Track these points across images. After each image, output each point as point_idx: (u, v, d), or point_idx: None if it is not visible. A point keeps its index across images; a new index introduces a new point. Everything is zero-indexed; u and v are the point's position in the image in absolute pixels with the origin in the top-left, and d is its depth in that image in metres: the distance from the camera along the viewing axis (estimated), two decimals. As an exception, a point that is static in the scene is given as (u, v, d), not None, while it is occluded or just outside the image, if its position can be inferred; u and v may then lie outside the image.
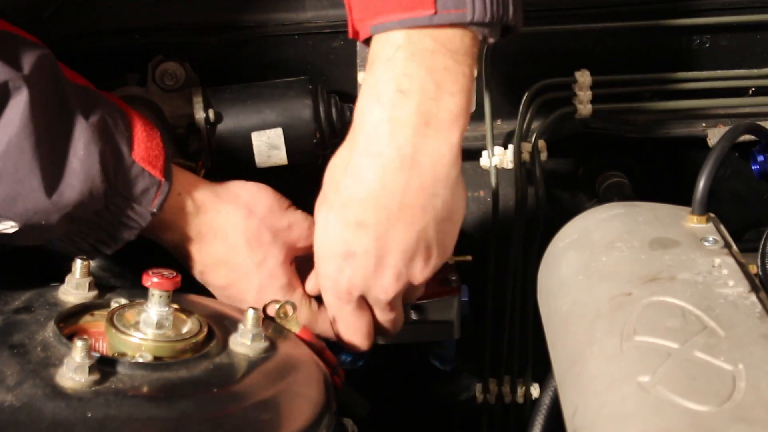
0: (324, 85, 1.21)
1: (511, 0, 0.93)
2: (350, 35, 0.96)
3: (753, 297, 0.84)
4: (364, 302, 1.02)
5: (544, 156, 1.25)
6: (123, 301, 0.93)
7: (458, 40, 0.93)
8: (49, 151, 0.92)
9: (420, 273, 0.99)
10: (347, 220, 0.96)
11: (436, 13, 0.91)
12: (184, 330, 0.89)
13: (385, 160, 0.94)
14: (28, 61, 0.92)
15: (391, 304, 1.02)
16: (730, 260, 0.89)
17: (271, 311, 0.98)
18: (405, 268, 0.98)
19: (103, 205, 0.96)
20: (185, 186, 1.04)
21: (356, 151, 0.95)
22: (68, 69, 0.99)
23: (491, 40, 0.96)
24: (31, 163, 0.90)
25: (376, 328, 1.06)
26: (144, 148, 0.99)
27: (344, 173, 0.96)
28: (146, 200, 0.99)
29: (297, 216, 1.08)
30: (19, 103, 0.90)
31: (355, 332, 1.04)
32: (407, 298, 1.05)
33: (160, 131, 1.02)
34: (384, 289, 0.99)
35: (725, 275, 0.87)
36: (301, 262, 1.08)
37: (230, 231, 1.05)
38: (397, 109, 0.93)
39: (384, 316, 1.04)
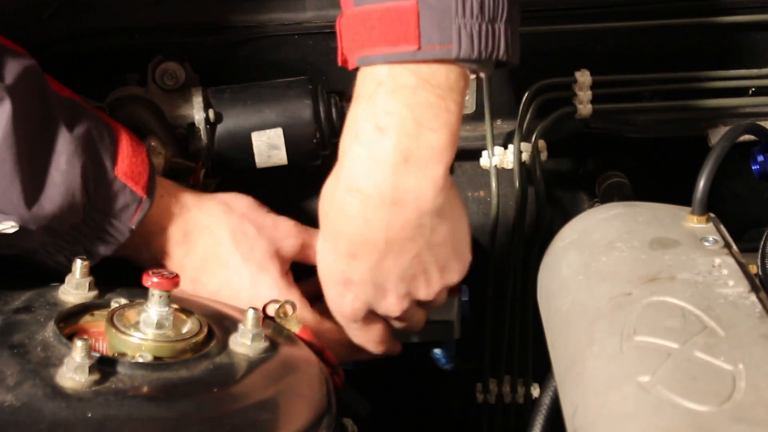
0: (324, 85, 1.21)
1: (503, 35, 0.90)
2: (339, 63, 0.95)
3: (753, 297, 0.84)
4: (373, 315, 1.02)
5: (544, 156, 1.25)
6: (123, 301, 0.93)
7: (443, 75, 0.91)
8: (31, 163, 0.91)
9: (425, 292, 1.00)
10: (339, 251, 0.96)
11: (419, 48, 0.89)
12: (184, 330, 0.89)
13: (365, 198, 0.92)
14: (12, 71, 0.91)
15: (401, 317, 1.03)
16: (730, 260, 0.89)
17: (271, 311, 0.98)
18: (406, 289, 0.98)
19: (81, 219, 0.96)
20: (167, 189, 1.04)
21: (339, 187, 0.94)
22: (54, 81, 0.99)
23: (482, 74, 0.94)
24: (12, 175, 0.90)
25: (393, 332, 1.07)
26: (128, 163, 0.99)
27: (331, 206, 0.95)
28: (125, 216, 0.99)
29: (280, 217, 1.09)
30: (2, 114, 0.89)
31: (366, 343, 1.06)
32: (428, 306, 1.05)
33: (146, 148, 1.03)
34: (388, 308, 1.00)
35: (725, 275, 0.87)
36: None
37: (214, 225, 1.05)
38: (375, 146, 0.91)
39: (397, 324, 1.05)
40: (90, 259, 0.99)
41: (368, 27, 0.90)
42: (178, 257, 1.05)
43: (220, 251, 1.05)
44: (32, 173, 0.92)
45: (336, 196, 0.94)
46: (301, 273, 1.11)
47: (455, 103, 0.92)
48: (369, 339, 1.05)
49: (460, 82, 0.92)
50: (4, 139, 0.89)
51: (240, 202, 1.08)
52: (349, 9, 0.91)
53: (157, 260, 1.05)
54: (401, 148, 0.91)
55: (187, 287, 1.05)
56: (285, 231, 1.08)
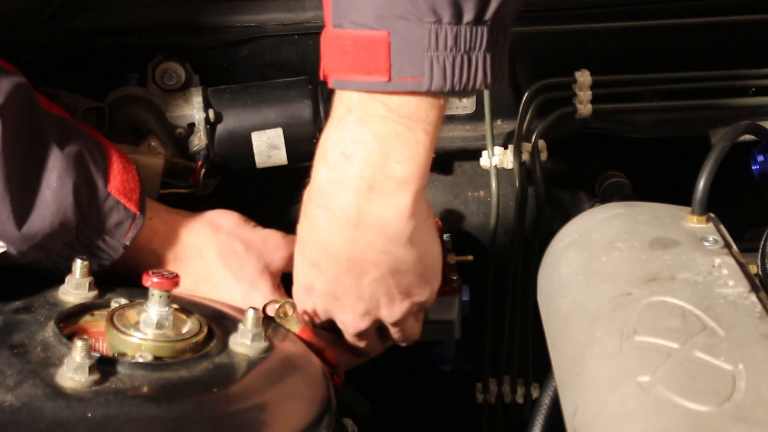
0: (324, 85, 1.21)
1: (481, 65, 0.87)
2: (321, 77, 0.93)
3: (753, 297, 0.84)
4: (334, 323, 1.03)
5: (544, 156, 1.25)
6: (123, 301, 0.93)
7: (412, 106, 0.89)
8: (21, 181, 0.91)
9: (387, 314, 0.99)
10: (305, 257, 0.97)
11: (390, 80, 0.87)
12: (184, 330, 0.89)
13: (331, 216, 0.93)
14: (1, 90, 0.91)
15: (359, 336, 1.03)
16: (730, 260, 0.89)
17: (271, 311, 0.98)
18: (365, 309, 0.98)
19: (74, 236, 0.96)
20: (156, 212, 1.04)
21: (310, 200, 0.94)
22: (44, 99, 0.98)
23: (461, 100, 0.92)
24: (2, 194, 0.90)
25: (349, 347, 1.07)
26: (120, 180, 0.99)
27: (304, 215, 0.96)
28: (119, 233, 0.99)
29: (268, 231, 1.09)
30: None
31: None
32: (402, 333, 1.05)
33: (135, 165, 1.02)
34: (346, 323, 1.00)
35: (725, 275, 0.87)
36: None
37: (203, 247, 1.05)
38: (339, 172, 0.91)
39: (353, 341, 1.05)
40: None
41: (342, 52, 0.88)
42: None
43: (210, 272, 1.05)
44: (22, 192, 0.91)
45: (307, 208, 0.95)
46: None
47: (425, 132, 0.90)
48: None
49: (431, 112, 0.90)
50: None
51: (227, 220, 1.08)
52: (328, 29, 0.90)
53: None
54: (365, 176, 0.91)
55: None
56: (273, 245, 1.08)
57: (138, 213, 1.00)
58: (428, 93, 0.88)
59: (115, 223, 0.98)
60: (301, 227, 0.97)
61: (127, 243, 0.99)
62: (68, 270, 0.95)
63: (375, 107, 0.89)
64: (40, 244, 0.93)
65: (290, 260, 1.08)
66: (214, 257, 1.05)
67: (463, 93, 0.89)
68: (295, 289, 1.02)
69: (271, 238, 1.08)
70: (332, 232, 0.93)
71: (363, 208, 0.91)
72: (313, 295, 0.99)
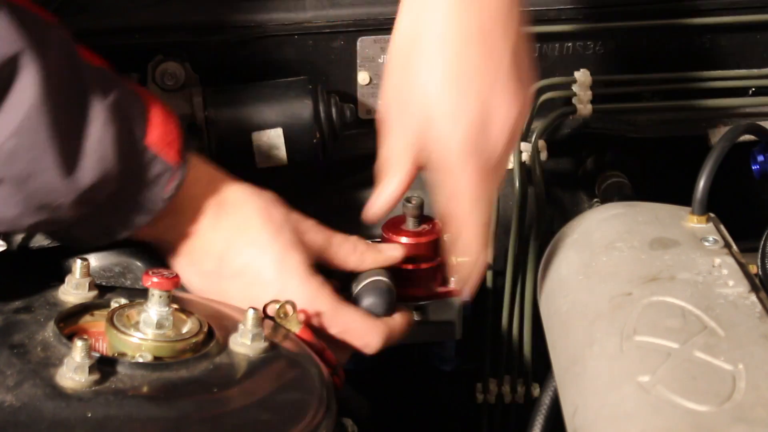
0: (324, 85, 1.21)
1: None
2: None
3: (753, 297, 0.84)
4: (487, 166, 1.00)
5: (544, 156, 1.25)
6: (123, 301, 0.93)
7: None
8: (65, 129, 0.90)
9: (502, 118, 0.97)
10: (449, 83, 0.96)
11: None
12: (184, 330, 0.90)
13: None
14: (43, 35, 0.90)
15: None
16: (730, 260, 0.89)
17: (271, 311, 0.98)
18: (489, 96, 0.96)
19: (116, 188, 0.96)
20: (196, 162, 1.03)
21: (408, 15, 0.96)
22: (85, 50, 0.98)
23: None
24: (46, 142, 0.89)
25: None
26: (160, 132, 0.97)
27: (404, 66, 0.97)
28: (160, 185, 0.97)
29: (302, 215, 1.08)
30: (34, 77, 0.88)
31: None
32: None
33: (177, 116, 1.01)
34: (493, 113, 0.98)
35: (725, 275, 0.87)
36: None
37: (243, 202, 1.03)
38: None
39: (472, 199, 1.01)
40: (127, 230, 0.98)
41: None
42: (204, 229, 1.03)
43: (248, 227, 1.03)
44: (67, 140, 0.90)
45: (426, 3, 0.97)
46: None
47: None
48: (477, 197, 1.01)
49: None
50: (37, 104, 0.88)
51: (266, 193, 1.07)
52: None
53: (185, 238, 1.03)
54: None
55: (212, 265, 1.02)
56: (308, 225, 1.07)
57: (177, 165, 0.98)
58: None
59: (155, 176, 0.97)
60: (422, 42, 0.97)
61: (167, 195, 0.98)
62: (110, 235, 0.95)
63: None
64: (85, 196, 0.92)
65: (324, 246, 1.06)
66: (254, 214, 1.03)
67: None
68: (440, 123, 0.98)
69: (306, 220, 1.07)
70: (448, 22, 0.94)
71: None
72: (462, 105, 0.96)
